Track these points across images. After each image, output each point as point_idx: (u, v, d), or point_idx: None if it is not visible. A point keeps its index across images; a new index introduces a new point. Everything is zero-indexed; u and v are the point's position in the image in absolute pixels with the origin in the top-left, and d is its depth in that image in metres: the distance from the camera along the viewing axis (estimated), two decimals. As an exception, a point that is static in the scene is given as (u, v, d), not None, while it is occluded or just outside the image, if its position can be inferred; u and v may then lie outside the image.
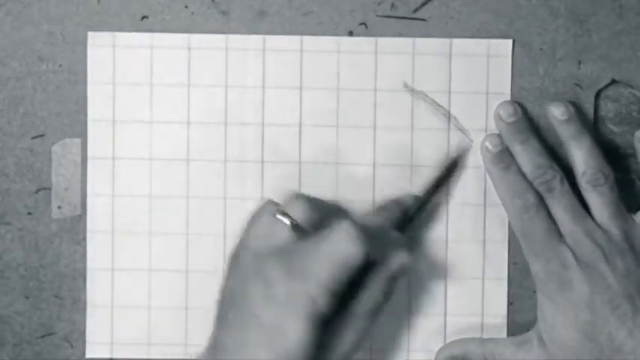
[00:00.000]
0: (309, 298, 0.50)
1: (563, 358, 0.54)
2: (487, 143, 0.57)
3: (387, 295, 0.53)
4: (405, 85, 0.58)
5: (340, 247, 0.51)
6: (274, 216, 0.53)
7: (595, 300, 0.53)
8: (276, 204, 0.54)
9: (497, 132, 0.57)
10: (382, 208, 0.57)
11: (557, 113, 0.56)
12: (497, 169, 0.57)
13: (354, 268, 0.51)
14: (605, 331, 0.53)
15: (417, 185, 0.58)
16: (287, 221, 0.52)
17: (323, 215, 0.54)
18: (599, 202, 0.55)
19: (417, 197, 0.57)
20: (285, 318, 0.50)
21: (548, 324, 0.54)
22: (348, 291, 0.51)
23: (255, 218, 0.54)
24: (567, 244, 0.54)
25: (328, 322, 0.51)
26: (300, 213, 0.53)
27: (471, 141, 0.58)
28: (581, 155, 0.56)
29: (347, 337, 0.52)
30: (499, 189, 0.57)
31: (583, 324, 0.53)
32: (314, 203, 0.54)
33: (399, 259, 0.53)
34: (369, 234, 0.51)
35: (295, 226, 0.52)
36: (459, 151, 0.58)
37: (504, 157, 0.57)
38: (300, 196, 0.54)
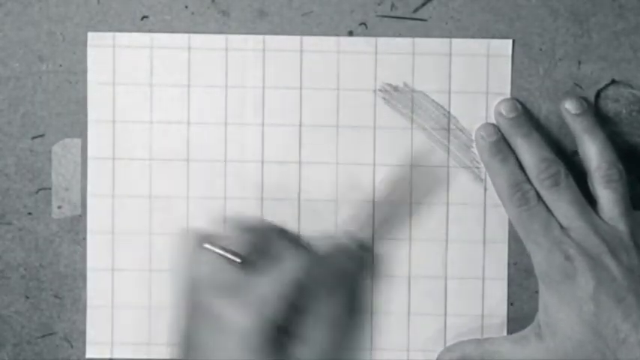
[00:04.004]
0: (256, 322, 0.50)
1: (565, 352, 0.54)
2: (482, 132, 0.57)
3: (342, 306, 0.54)
4: (405, 85, 0.58)
5: (288, 273, 0.52)
6: (211, 248, 0.53)
7: (600, 292, 0.53)
8: (208, 235, 0.54)
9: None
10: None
11: (570, 107, 0.56)
12: (495, 160, 0.57)
13: (302, 290, 0.52)
14: (610, 324, 0.53)
15: (416, 185, 0.58)
16: (237, 259, 0.53)
17: (260, 238, 0.54)
18: (611, 199, 0.55)
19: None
20: (235, 346, 0.50)
21: (551, 317, 0.54)
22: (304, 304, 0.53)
23: (193, 255, 0.54)
24: (572, 237, 0.54)
25: (282, 339, 0.52)
26: (237, 241, 0.53)
27: (471, 140, 0.58)
28: (595, 149, 0.56)
29: (306, 351, 0.52)
30: (497, 181, 0.57)
31: (587, 316, 0.53)
32: (249, 227, 0.55)
33: (340, 265, 0.55)
34: (317, 257, 0.54)
35: (244, 261, 0.53)
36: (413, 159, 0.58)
37: (501, 148, 0.57)
38: (233, 224, 0.55)
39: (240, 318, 0.50)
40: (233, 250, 0.53)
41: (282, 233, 0.57)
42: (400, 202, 0.58)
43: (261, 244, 0.54)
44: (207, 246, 0.53)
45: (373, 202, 0.59)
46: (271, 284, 0.51)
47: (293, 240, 0.57)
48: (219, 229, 0.55)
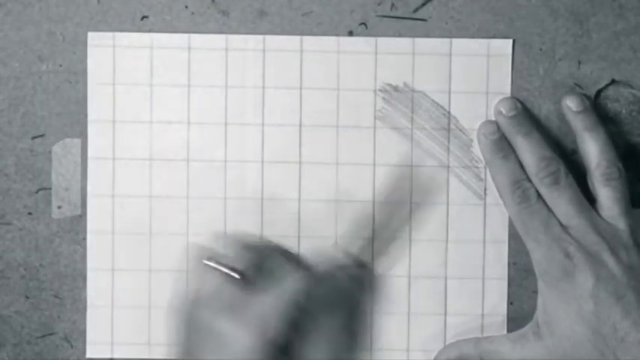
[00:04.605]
0: (257, 341, 0.50)
1: (563, 351, 0.54)
2: (483, 130, 0.57)
3: (340, 321, 0.55)
4: (405, 85, 0.58)
5: (288, 293, 0.52)
6: (210, 265, 0.53)
7: (599, 290, 0.53)
8: (209, 251, 0.55)
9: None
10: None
11: (571, 105, 0.56)
12: (496, 157, 0.57)
13: (302, 310, 0.52)
14: (610, 322, 0.53)
15: (417, 185, 0.58)
16: (237, 276, 0.53)
17: (259, 256, 0.55)
18: (610, 197, 0.55)
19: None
20: None
21: (550, 315, 0.54)
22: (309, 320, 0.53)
23: (194, 271, 0.55)
24: (571, 235, 0.54)
25: (288, 355, 0.52)
26: (235, 257, 0.54)
27: (471, 140, 0.58)
28: (596, 147, 0.56)
29: None
30: (498, 179, 0.57)
31: (587, 314, 0.53)
32: (248, 244, 0.55)
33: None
34: (316, 277, 0.54)
35: (245, 278, 0.53)
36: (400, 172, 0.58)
37: (503, 145, 0.57)
38: (233, 241, 0.55)
39: (240, 336, 0.51)
40: (233, 266, 0.53)
41: (282, 252, 0.57)
42: (400, 202, 0.58)
43: (261, 262, 0.54)
44: (208, 262, 0.53)
45: (373, 202, 0.59)
46: (272, 303, 0.52)
47: (293, 259, 0.57)
48: (219, 246, 0.55)
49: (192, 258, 0.55)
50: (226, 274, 0.53)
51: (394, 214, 0.58)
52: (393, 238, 0.58)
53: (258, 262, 0.54)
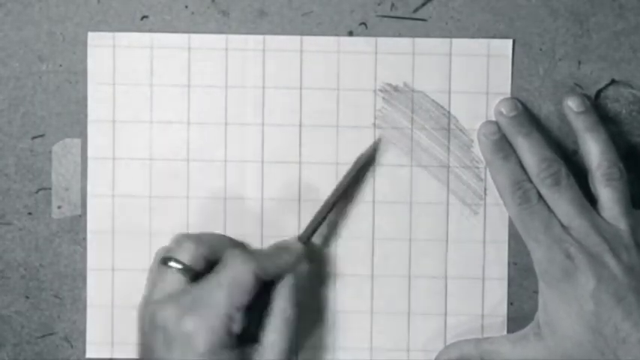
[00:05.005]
0: (208, 330, 0.51)
1: (564, 351, 0.54)
2: (484, 130, 0.57)
3: (294, 305, 0.54)
4: (405, 85, 0.58)
5: (233, 274, 0.52)
6: (165, 264, 0.54)
7: (600, 291, 0.53)
8: (165, 251, 0.55)
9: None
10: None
11: (573, 105, 0.56)
12: (497, 158, 0.57)
13: (250, 291, 0.52)
14: (611, 322, 0.52)
15: (416, 185, 0.58)
16: (178, 266, 0.53)
17: (211, 250, 0.55)
18: (611, 197, 0.55)
19: (324, 203, 0.57)
20: (190, 356, 0.50)
21: (551, 316, 0.54)
22: (258, 310, 0.53)
23: (151, 272, 0.55)
24: (572, 236, 0.54)
25: (241, 345, 0.52)
26: (188, 255, 0.54)
27: (471, 140, 0.58)
28: (597, 148, 0.56)
29: (265, 353, 0.52)
30: (498, 179, 0.57)
31: (587, 315, 0.53)
32: (199, 240, 0.55)
33: (292, 271, 0.55)
34: (261, 256, 0.54)
35: (186, 269, 0.53)
36: (370, 150, 0.58)
37: (504, 146, 0.57)
38: (185, 238, 0.55)
39: (194, 329, 0.51)
40: (184, 262, 0.53)
41: (230, 241, 0.57)
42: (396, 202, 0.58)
43: (211, 255, 0.54)
44: (163, 261, 0.54)
45: (373, 202, 0.59)
46: (219, 290, 0.52)
47: (238, 245, 0.57)
48: (179, 246, 0.55)
49: (154, 258, 0.55)
50: (182, 270, 0.53)
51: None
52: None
53: (209, 255, 0.54)
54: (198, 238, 0.55)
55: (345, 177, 0.58)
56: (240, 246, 0.58)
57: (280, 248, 0.56)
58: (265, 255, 0.55)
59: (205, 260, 0.54)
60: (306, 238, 0.56)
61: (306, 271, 0.57)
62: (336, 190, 0.57)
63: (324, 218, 0.57)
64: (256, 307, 0.53)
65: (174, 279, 0.53)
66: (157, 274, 0.54)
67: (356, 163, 0.58)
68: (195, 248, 0.54)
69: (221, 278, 0.52)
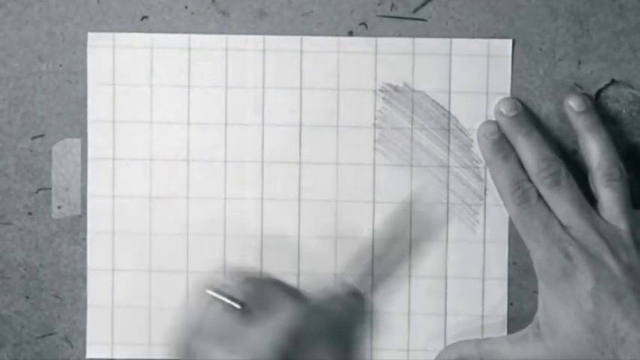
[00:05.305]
0: None
1: (564, 351, 0.54)
2: (483, 130, 0.57)
3: (336, 352, 0.55)
4: (405, 85, 0.58)
5: (287, 325, 0.52)
6: (218, 299, 0.54)
7: (599, 290, 0.53)
8: (219, 284, 0.55)
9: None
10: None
11: (573, 105, 0.56)
12: (497, 157, 0.57)
13: (295, 339, 0.52)
14: (610, 322, 0.53)
15: (416, 185, 0.58)
16: (236, 305, 0.53)
17: (259, 289, 0.55)
18: (611, 197, 0.55)
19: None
20: None
21: (550, 315, 0.54)
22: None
23: (195, 300, 0.55)
24: (572, 235, 0.54)
25: None
26: (242, 293, 0.54)
27: (471, 140, 0.58)
28: (597, 148, 0.56)
29: None
30: (498, 179, 0.57)
31: (587, 315, 0.53)
32: (254, 280, 0.55)
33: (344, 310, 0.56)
34: (312, 309, 0.54)
35: (244, 309, 0.53)
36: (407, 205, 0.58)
37: (504, 145, 0.57)
38: (234, 274, 0.55)
39: None
40: (234, 297, 0.53)
41: (280, 285, 0.57)
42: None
43: (260, 294, 0.54)
44: (209, 292, 0.54)
45: (373, 201, 0.59)
46: (266, 334, 0.52)
47: (290, 291, 0.57)
48: (220, 278, 0.55)
49: (194, 287, 0.55)
50: (227, 304, 0.53)
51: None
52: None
53: (258, 294, 0.54)
54: (247, 275, 0.55)
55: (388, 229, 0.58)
56: (290, 290, 0.57)
57: (333, 300, 0.57)
58: (317, 308, 0.55)
59: (253, 298, 0.54)
60: (356, 292, 0.57)
61: (355, 324, 0.58)
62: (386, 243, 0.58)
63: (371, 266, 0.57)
64: None
65: (220, 312, 0.53)
66: (201, 305, 0.54)
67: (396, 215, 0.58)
68: (244, 284, 0.54)
69: (271, 324, 0.52)
